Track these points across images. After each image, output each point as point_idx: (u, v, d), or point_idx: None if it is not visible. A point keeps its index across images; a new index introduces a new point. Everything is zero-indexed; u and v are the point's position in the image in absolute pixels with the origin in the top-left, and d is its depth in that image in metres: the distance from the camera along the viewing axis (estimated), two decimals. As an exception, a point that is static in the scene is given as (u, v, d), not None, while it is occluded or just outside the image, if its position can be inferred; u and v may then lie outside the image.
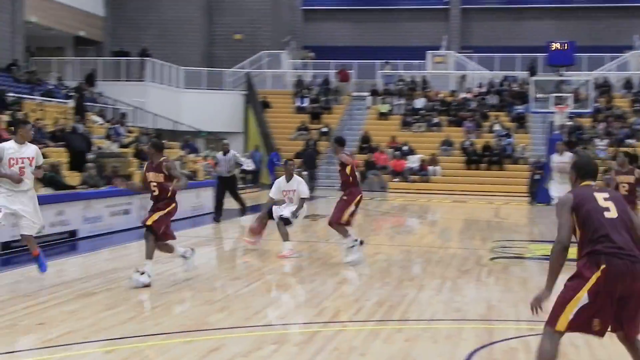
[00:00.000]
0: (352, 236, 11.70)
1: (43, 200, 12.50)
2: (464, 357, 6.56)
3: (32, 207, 9.06)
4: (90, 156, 18.38)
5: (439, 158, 31.37)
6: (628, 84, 36.00)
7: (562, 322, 4.96)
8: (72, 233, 13.53)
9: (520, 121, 33.48)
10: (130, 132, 26.11)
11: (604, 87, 35.37)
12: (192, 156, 25.90)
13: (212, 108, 35.08)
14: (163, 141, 11.80)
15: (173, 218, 9.87)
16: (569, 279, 5.02)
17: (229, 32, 42.10)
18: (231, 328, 7.41)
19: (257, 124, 34.40)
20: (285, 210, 12.39)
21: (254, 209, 23.04)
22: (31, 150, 9.12)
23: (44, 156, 17.31)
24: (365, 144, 32.73)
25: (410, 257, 12.89)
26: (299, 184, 12.55)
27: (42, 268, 9.29)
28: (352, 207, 11.71)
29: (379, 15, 47.39)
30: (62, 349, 6.40)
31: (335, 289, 9.60)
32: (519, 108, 34.05)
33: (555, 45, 33.13)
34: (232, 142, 33.77)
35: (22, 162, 8.94)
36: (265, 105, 36.04)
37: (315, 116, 35.64)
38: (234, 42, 41.90)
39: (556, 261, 5.06)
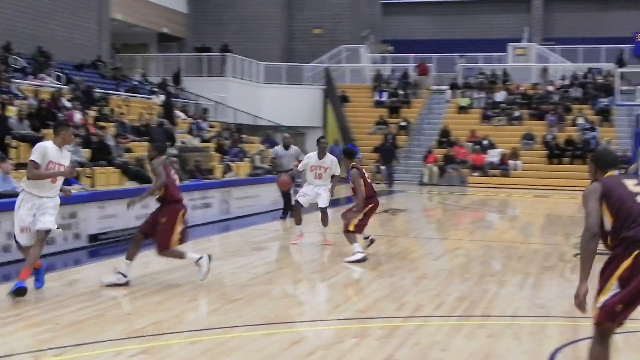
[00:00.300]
0: (357, 246, 11.12)
1: (127, 194, 12.87)
2: (548, 354, 6.45)
3: (54, 212, 8.26)
4: (173, 151, 18.76)
5: (519, 152, 30.83)
6: None
7: (597, 314, 4.85)
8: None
9: (604, 114, 32.60)
10: (211, 126, 26.53)
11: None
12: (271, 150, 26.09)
13: (291, 103, 35.31)
14: (166, 143, 10.31)
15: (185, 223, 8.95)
16: (601, 270, 4.92)
17: (308, 27, 42.28)
18: (312, 321, 7.48)
19: (336, 118, 34.46)
20: (320, 199, 12.57)
21: (333, 203, 23.17)
22: (67, 156, 8.33)
23: (129, 150, 17.84)
24: (444, 138, 32.43)
25: (490, 253, 12.74)
26: (332, 162, 12.52)
27: (38, 284, 8.46)
28: (360, 216, 11.27)
29: (458, 7, 46.89)
30: (148, 339, 6.57)
31: (415, 284, 9.57)
32: (604, 101, 33.15)
33: (641, 36, 32.22)
34: (310, 137, 34.15)
35: (59, 168, 8.12)
36: (344, 99, 36.08)
37: (394, 110, 35.48)
38: (314, 36, 42.07)
39: (587, 250, 4.91)
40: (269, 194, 18.29)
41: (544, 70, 36.93)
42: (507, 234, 16.34)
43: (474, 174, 30.18)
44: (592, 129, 31.11)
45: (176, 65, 34.41)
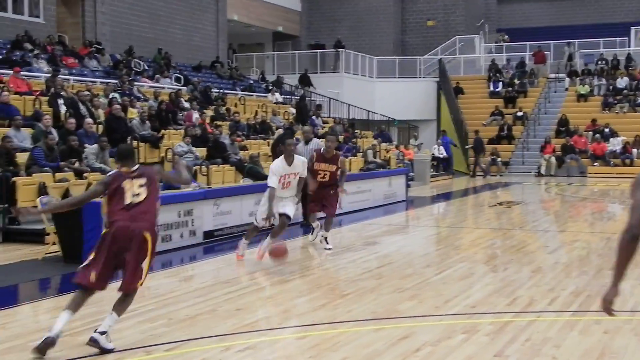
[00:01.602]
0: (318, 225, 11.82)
1: (243, 191, 13.15)
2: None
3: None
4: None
5: (643, 140, 29.60)
6: None
7: None
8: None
9: None
10: (325, 122, 26.73)
11: None
12: (385, 145, 26.10)
13: (404, 96, 35.12)
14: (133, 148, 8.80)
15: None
16: None
17: (421, 19, 41.95)
18: (421, 316, 7.42)
19: (450, 110, 34.05)
20: (287, 208, 10.23)
21: (446, 196, 22.98)
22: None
23: (245, 148, 18.20)
24: (563, 128, 31.48)
25: (610, 245, 12.24)
26: (303, 164, 10.36)
27: None
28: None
29: (576, -8, 45.42)
30: (257, 334, 6.69)
31: (530, 278, 9.34)
32: None
33: None
34: (424, 130, 33.89)
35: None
36: (458, 91, 35.58)
37: (510, 100, 34.73)
38: (427, 28, 41.70)
39: (624, 251, 4.02)
40: (381, 189, 18.28)
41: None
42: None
43: (595, 164, 29.19)
44: None
45: (301, 65, 34.84)
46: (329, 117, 28.94)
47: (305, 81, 32.46)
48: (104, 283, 6.04)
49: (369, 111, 33.09)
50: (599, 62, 35.79)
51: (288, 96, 29.71)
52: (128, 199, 6.14)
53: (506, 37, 42.14)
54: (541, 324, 7.11)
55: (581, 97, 33.84)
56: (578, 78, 34.98)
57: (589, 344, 6.39)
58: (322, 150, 11.72)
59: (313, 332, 6.84)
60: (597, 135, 30.32)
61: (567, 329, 6.89)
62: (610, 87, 33.86)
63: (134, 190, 6.18)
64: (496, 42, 41.56)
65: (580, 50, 37.08)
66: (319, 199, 11.44)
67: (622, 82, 33.82)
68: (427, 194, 23.10)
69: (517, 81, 35.70)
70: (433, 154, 28.87)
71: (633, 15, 40.99)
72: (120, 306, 6.12)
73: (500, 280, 9.24)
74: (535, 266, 10.21)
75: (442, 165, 29.47)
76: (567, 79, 35.18)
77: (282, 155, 10.16)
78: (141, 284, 6.14)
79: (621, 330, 6.80)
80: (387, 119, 33.21)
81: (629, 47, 36.79)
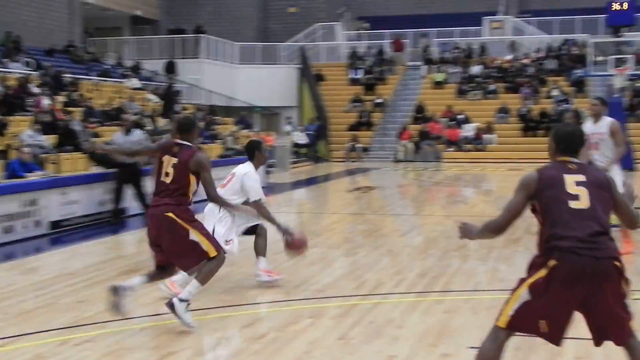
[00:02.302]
0: None
1: (92, 179, 12.73)
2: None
3: None
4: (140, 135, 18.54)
5: (494, 126, 30.86)
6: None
7: (503, 319, 4.33)
8: (121, 211, 13.58)
9: (579, 85, 32.63)
10: (184, 109, 26.32)
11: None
12: (245, 132, 26.00)
13: (266, 83, 35.12)
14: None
15: None
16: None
17: (283, 6, 41.99)
18: (269, 302, 7.42)
19: (311, 97, 34.32)
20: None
21: (306, 182, 23.16)
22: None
23: (97, 135, 17.65)
24: (420, 114, 32.38)
25: (459, 227, 12.68)
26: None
27: None
28: None
29: (433, -18, 46.65)
30: (98, 326, 6.48)
31: (379, 261, 9.52)
32: (578, 72, 33.17)
33: (615, 6, 32.22)
34: (286, 116, 34.00)
35: None
36: (319, 78, 35.91)
37: (370, 87, 35.38)
38: (289, 15, 41.79)
39: (484, 235, 4.59)
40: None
41: (513, 44, 36.82)
42: (477, 208, 16.34)
43: (449, 149, 30.18)
44: (567, 101, 31.13)
45: (162, 50, 34.06)
46: (189, 103, 28.51)
47: (171, 69, 31.81)
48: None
49: (229, 97, 32.86)
50: (454, 51, 36.99)
51: (147, 82, 29.05)
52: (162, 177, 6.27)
53: (366, 24, 42.83)
54: (386, 306, 7.25)
55: (437, 85, 34.88)
56: (434, 66, 36.03)
57: (429, 323, 6.57)
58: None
59: (159, 322, 6.71)
60: (452, 121, 31.35)
61: (411, 310, 7.06)
62: (465, 75, 35.07)
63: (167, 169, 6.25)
64: (357, 30, 42.16)
65: (436, 39, 38.17)
66: None
67: (475, 70, 35.11)
68: (287, 180, 23.22)
69: (376, 69, 36.39)
70: (294, 141, 29.03)
71: (486, 6, 42.53)
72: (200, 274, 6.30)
73: (350, 264, 9.37)
74: (385, 250, 10.42)
75: (310, 151, 29.69)
76: (424, 67, 36.17)
77: (255, 164, 8.06)
78: (215, 252, 6.28)
79: (461, 310, 7.03)
80: (249, 105, 33.09)
81: (482, 36, 38.18)
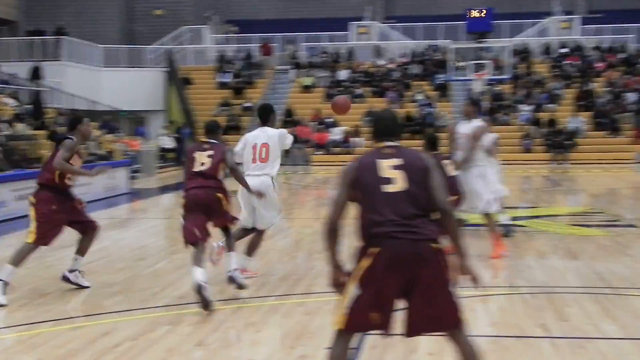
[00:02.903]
0: None
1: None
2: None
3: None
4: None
5: (362, 130, 31.35)
6: (547, 50, 36.51)
7: (339, 319, 4.29)
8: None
9: (442, 90, 33.66)
10: (45, 113, 25.34)
11: (523, 54, 35.81)
12: (110, 136, 25.31)
13: (132, 86, 34.33)
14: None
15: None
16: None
17: (149, 7, 41.23)
18: (126, 311, 7.18)
19: (179, 101, 33.82)
20: None
21: (171, 187, 22.74)
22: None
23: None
24: (289, 118, 32.51)
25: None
26: None
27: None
28: None
29: (302, -13, 47.01)
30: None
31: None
32: (441, 77, 34.22)
33: (474, 13, 33.44)
34: (153, 120, 33.38)
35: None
36: (187, 81, 35.46)
37: (238, 91, 35.24)
38: (155, 17, 41.07)
39: (327, 242, 4.36)
40: (101, 181, 17.64)
41: (378, 49, 37.57)
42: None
43: (318, 153, 30.45)
44: (430, 105, 32.02)
45: (21, 52, 32.61)
46: (50, 107, 27.47)
47: (37, 75, 30.45)
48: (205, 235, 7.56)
49: (93, 101, 31.91)
50: (322, 55, 37.37)
51: (4, 85, 27.79)
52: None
53: (234, 28, 42.66)
54: (246, 310, 7.17)
55: (305, 89, 35.14)
56: (303, 70, 36.27)
57: (289, 326, 6.55)
58: None
59: (9, 334, 6.40)
60: (320, 125, 31.64)
61: (271, 313, 7.02)
62: (333, 79, 35.48)
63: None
64: (225, 34, 41.92)
65: (305, 44, 38.43)
66: None
67: (342, 74, 35.58)
68: (153, 185, 22.76)
69: (245, 72, 36.27)
70: (161, 145, 28.51)
71: (353, 11, 43.22)
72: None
73: (214, 269, 9.20)
74: (250, 253, 10.31)
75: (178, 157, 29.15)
76: (293, 71, 36.35)
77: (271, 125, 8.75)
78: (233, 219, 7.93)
79: (321, 311, 7.04)
80: (114, 109, 32.26)
81: (349, 41, 38.74)
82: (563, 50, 36.04)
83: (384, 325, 4.24)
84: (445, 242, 4.27)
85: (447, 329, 4.31)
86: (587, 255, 9.60)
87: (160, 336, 6.29)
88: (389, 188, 4.19)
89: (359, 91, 34.23)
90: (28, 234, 7.71)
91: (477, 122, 9.65)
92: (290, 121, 32.20)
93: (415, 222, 4.13)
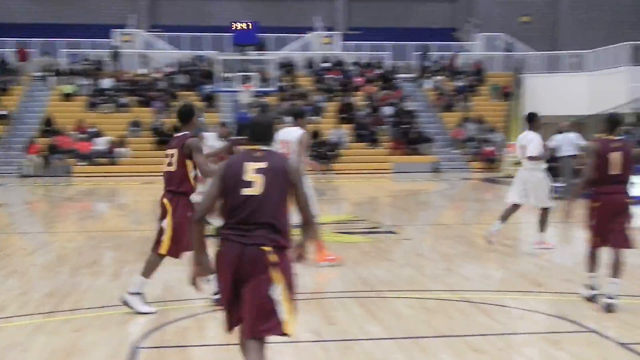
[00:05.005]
0: None
1: None
2: (133, 341, 6.34)
3: None
4: None
5: (127, 139, 30.69)
6: (310, 64, 37.82)
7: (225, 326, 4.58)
8: None
9: (209, 100, 33.77)
10: None
11: (288, 67, 36.83)
12: None
13: None
14: None
15: None
16: None
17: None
18: None
19: None
20: None
21: None
22: None
23: None
24: (48, 127, 31.05)
25: (90, 243, 12.30)
26: None
27: None
28: None
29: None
30: None
31: (2, 283, 8.86)
32: (208, 87, 34.33)
33: (240, 25, 33.95)
34: None
35: None
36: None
37: (-7, 98, 33.16)
38: None
39: (193, 233, 4.62)
40: None
41: (144, 58, 37.04)
42: (111, 222, 16.07)
43: (81, 164, 29.38)
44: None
45: None
46: None
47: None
48: None
49: None
50: (84, 62, 36.13)
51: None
52: None
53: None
54: (9, 330, 6.76)
55: (66, 97, 33.76)
56: (63, 77, 34.81)
57: (57, 344, 6.27)
58: None
59: None
60: (83, 134, 30.55)
61: (37, 332, 6.68)
62: (96, 88, 34.37)
63: None
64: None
65: (65, 50, 36.91)
66: None
67: (106, 82, 34.59)
68: None
69: (-1, 79, 34.23)
70: None
71: (115, 18, 42.21)
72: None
73: (-32, 288, 8.60)
74: (10, 270, 9.74)
75: None
76: (52, 78, 34.79)
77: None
78: None
79: (90, 327, 6.80)
80: None
81: (111, 49, 37.69)
82: (325, 65, 37.52)
83: (229, 325, 4.52)
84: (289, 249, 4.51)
85: (262, 333, 4.41)
86: (351, 261, 10.02)
87: None
88: (247, 191, 4.38)
89: (123, 100, 33.46)
90: (160, 245, 7.28)
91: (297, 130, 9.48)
92: (49, 130, 30.79)
93: (255, 227, 4.34)
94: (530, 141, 10.80)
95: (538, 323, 7.10)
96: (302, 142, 9.42)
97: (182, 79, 35.53)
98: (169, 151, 7.27)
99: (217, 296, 6.94)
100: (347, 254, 10.52)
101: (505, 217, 11.10)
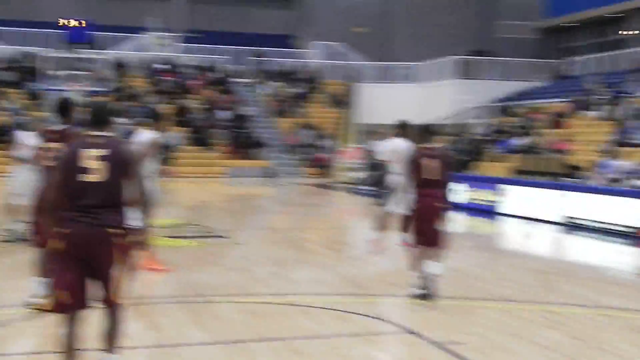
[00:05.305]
0: None
1: None
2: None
3: None
4: None
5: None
6: (144, 65, 37.04)
7: (49, 303, 4.85)
8: None
9: (35, 98, 32.32)
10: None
11: (122, 67, 35.92)
12: None
13: None
14: None
15: None
16: None
17: None
18: None
19: None
20: None
21: None
22: None
23: None
24: None
25: None
26: None
27: None
28: None
29: None
30: None
31: None
32: (34, 85, 32.85)
33: (71, 22, 32.83)
34: None
35: None
36: None
37: None
38: None
39: (46, 224, 4.93)
40: None
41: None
42: None
43: None
44: (24, 113, 30.57)
45: None
46: None
47: None
48: None
49: None
50: None
51: None
52: None
53: None
54: None
55: None
56: None
57: None
58: None
59: None
60: None
61: None
62: None
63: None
64: None
65: None
66: None
67: None
68: None
69: None
70: None
71: None
72: None
73: None
74: None
75: None
76: None
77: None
78: None
79: None
80: None
81: None
82: (160, 66, 36.88)
83: (78, 304, 4.72)
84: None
85: (105, 303, 4.88)
86: (181, 266, 9.88)
87: None
88: (85, 177, 4.58)
89: (-58, 96, 31.41)
90: None
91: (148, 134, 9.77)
92: None
93: (99, 210, 4.61)
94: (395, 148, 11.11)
95: (360, 325, 7.27)
96: (154, 144, 9.56)
97: (6, 76, 33.79)
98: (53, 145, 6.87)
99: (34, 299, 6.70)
100: (177, 259, 10.37)
101: (382, 227, 11.32)
